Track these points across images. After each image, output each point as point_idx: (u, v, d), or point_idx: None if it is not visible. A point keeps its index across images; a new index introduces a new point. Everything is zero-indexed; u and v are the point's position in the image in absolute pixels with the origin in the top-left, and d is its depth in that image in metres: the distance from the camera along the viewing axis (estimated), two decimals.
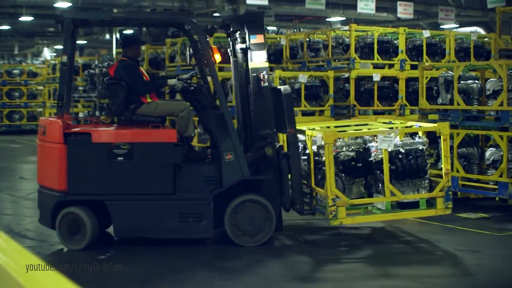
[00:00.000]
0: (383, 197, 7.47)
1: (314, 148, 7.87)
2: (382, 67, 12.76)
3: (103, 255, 7.14)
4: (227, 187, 7.33)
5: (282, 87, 7.81)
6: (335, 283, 6.20)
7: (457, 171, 9.62)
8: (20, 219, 9.36)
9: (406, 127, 8.16)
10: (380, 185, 7.55)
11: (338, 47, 13.26)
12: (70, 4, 23.65)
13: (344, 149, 7.69)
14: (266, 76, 7.55)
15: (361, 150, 7.82)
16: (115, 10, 23.34)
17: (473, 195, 9.84)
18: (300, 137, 7.98)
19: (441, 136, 7.70)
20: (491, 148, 9.54)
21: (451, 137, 9.29)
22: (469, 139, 9.93)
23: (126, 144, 7.21)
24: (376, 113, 12.35)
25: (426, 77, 11.01)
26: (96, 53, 31.56)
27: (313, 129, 8.15)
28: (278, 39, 15.01)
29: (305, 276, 6.39)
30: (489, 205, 9.75)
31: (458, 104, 9.43)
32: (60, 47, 42.11)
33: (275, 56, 14.42)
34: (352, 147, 7.79)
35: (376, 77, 12.30)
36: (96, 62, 22.49)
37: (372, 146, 7.72)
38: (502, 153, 9.01)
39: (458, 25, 27.74)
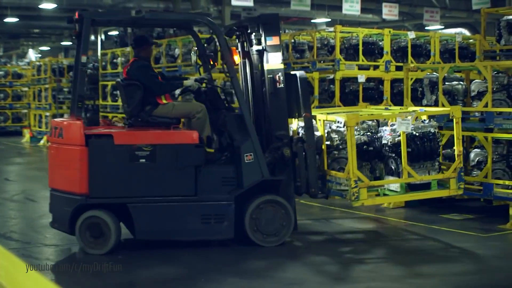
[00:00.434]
0: (399, 179, 7.60)
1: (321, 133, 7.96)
2: (367, 68, 12.76)
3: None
4: (247, 188, 7.33)
5: (297, 72, 7.89)
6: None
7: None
8: (5, 220, 9.27)
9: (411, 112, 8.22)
10: (393, 167, 7.63)
11: (323, 49, 13.27)
12: (55, 6, 23.55)
13: (356, 134, 7.77)
14: (281, 78, 7.58)
15: (373, 133, 7.93)
16: (100, 11, 23.23)
17: (458, 196, 9.87)
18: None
19: (454, 119, 7.87)
20: (475, 149, 9.56)
21: None
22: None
23: (148, 146, 7.12)
24: None
25: (411, 78, 11.02)
26: None
27: (328, 113, 8.23)
28: None
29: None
30: (474, 206, 9.78)
31: (443, 105, 9.46)
32: (45, 48, 41.62)
33: None
34: (363, 131, 7.90)
35: (361, 78, 12.30)
36: None
37: (386, 130, 7.80)
38: (486, 154, 9.04)
39: (443, 27, 27.87)
